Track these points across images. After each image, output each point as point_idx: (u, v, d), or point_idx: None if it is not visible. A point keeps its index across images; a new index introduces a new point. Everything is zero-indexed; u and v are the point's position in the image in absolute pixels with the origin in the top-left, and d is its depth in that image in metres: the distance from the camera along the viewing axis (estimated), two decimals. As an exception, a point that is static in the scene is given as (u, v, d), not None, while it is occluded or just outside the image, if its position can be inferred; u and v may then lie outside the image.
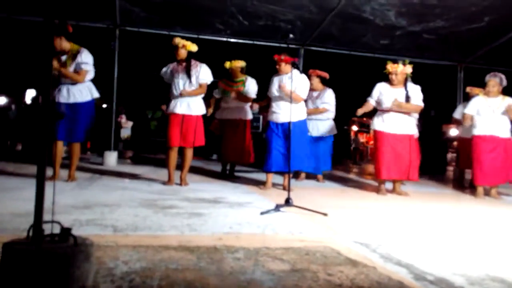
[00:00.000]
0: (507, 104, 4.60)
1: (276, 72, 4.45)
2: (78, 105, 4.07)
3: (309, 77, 5.37)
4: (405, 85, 4.46)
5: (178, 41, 4.28)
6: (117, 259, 1.76)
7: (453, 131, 8.40)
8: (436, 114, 8.87)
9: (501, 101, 4.66)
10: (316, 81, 5.43)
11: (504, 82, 4.74)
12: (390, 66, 4.47)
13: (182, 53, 4.29)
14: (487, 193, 4.75)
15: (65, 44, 4.01)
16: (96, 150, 7.90)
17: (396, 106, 4.38)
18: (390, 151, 4.44)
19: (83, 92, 4.09)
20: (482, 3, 5.62)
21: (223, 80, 5.36)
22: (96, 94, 4.20)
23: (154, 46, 7.80)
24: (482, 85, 4.88)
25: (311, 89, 5.36)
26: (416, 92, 4.49)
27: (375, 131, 4.61)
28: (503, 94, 4.74)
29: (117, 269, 1.65)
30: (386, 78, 4.56)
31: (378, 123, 4.54)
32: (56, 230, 1.48)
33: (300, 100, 4.39)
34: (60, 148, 4.15)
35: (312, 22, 6.36)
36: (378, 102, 4.55)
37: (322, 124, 5.46)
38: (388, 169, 4.43)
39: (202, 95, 4.41)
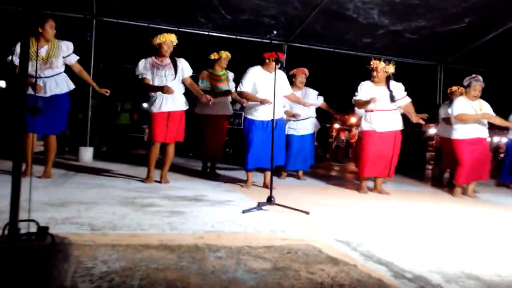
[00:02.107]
0: (494, 117, 4.66)
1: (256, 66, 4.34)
2: (55, 97, 3.95)
3: (294, 75, 5.37)
4: (387, 84, 4.52)
5: (174, 40, 4.19)
6: (96, 259, 1.72)
7: (432, 130, 8.57)
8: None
9: (479, 103, 4.74)
10: (303, 80, 5.39)
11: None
12: (372, 62, 4.53)
13: (170, 51, 4.21)
14: (464, 192, 4.86)
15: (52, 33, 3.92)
16: (73, 144, 7.68)
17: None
18: (375, 150, 4.48)
19: (59, 84, 3.99)
20: (462, 5, 5.73)
21: (207, 73, 5.23)
22: (72, 86, 4.09)
23: (132, 37, 7.62)
24: (461, 86, 4.98)
25: (296, 88, 5.33)
26: (399, 88, 4.56)
27: (362, 132, 4.61)
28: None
29: (96, 268, 1.61)
30: (368, 76, 4.60)
31: (365, 124, 4.56)
32: (32, 229, 1.43)
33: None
34: (33, 141, 3.92)
35: (296, 18, 6.35)
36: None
37: (310, 122, 5.51)
38: (371, 168, 4.50)
39: (183, 90, 4.34)
